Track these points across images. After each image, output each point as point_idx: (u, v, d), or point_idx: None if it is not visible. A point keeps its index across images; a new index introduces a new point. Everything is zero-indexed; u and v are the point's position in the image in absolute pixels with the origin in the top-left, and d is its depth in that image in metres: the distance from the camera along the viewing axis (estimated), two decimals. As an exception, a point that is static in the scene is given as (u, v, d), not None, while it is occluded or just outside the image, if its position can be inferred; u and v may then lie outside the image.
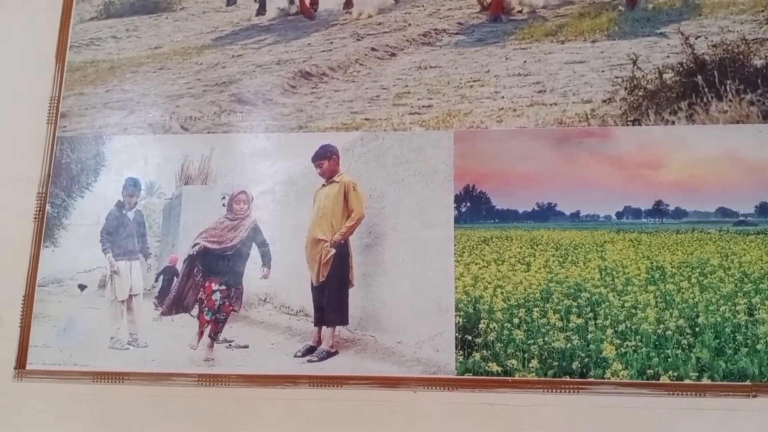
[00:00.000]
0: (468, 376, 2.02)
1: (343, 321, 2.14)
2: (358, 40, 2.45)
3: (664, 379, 1.95)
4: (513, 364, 2.01)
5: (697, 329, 1.98)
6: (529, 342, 2.02)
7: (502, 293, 2.09)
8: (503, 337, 2.04)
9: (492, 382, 2.01)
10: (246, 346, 2.17)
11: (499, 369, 2.01)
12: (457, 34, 2.40)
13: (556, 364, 2.00)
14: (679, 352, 1.96)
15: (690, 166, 2.12)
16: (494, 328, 2.05)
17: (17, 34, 2.54)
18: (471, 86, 2.29)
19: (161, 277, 2.30)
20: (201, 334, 2.22)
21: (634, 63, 2.23)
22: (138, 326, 2.26)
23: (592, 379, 1.97)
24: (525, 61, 2.30)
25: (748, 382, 1.93)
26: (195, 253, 2.27)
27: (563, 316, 2.04)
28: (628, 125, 2.17)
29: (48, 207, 2.36)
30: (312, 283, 2.19)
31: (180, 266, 2.28)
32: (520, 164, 2.19)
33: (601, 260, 2.11)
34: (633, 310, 2.02)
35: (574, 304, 2.05)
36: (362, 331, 2.13)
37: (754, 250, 2.06)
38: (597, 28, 2.32)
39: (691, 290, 2.03)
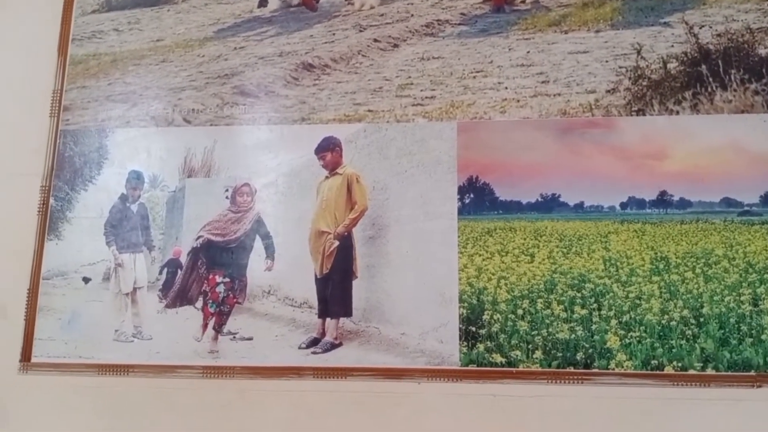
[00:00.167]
0: (472, 368, 2.02)
1: (347, 313, 2.14)
2: (361, 31, 2.44)
3: (668, 370, 1.95)
4: (517, 355, 2.01)
5: (701, 320, 1.97)
6: (533, 333, 2.02)
7: (505, 284, 2.09)
8: (507, 328, 2.04)
9: (496, 373, 2.01)
10: (250, 338, 2.18)
11: (503, 360, 2.01)
12: (459, 24, 2.39)
13: (560, 355, 2.00)
14: (683, 342, 1.96)
15: (694, 156, 2.11)
16: (498, 319, 2.04)
17: (19, 28, 2.53)
18: (474, 77, 2.28)
19: (165, 269, 2.30)
20: (205, 326, 2.22)
21: (638, 53, 2.21)
22: (142, 319, 2.26)
23: (596, 370, 1.97)
24: (528, 52, 2.29)
25: (752, 373, 1.93)
26: (199, 245, 2.28)
27: (567, 307, 2.04)
28: (632, 115, 2.16)
29: (52, 200, 2.36)
30: (316, 275, 2.19)
31: (184, 259, 2.28)
32: (524, 155, 2.18)
33: (605, 251, 2.10)
34: (637, 301, 2.02)
35: (578, 294, 2.05)
36: (366, 322, 2.13)
37: (758, 240, 2.05)
38: (601, 18, 2.31)
39: (695, 280, 2.03)
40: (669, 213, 2.11)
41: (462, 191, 2.16)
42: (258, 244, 2.25)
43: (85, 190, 2.38)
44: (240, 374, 2.13)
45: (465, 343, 2.04)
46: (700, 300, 2.00)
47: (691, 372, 1.94)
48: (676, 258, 2.07)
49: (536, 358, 2.00)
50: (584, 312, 2.02)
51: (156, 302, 2.27)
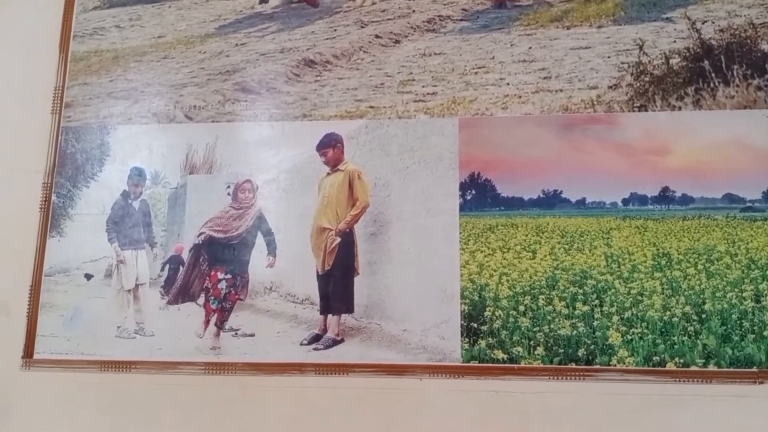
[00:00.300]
0: (474, 364, 2.02)
1: (349, 309, 2.14)
2: (362, 27, 2.44)
3: (670, 366, 1.94)
4: (519, 352, 2.01)
5: (703, 316, 1.97)
6: (534, 329, 2.02)
7: (507, 281, 2.08)
8: (509, 324, 2.03)
9: (498, 369, 2.01)
10: (252, 335, 2.18)
11: (505, 356, 2.01)
12: (461, 20, 2.38)
13: (562, 351, 1.99)
14: (685, 338, 1.96)
15: (697, 152, 2.11)
16: (500, 315, 2.04)
17: (21, 25, 2.54)
18: (476, 73, 2.27)
19: (167, 266, 2.30)
20: (207, 322, 2.22)
21: (641, 48, 2.21)
22: (144, 315, 2.27)
23: (597, 366, 1.97)
24: (530, 48, 2.28)
25: (754, 369, 1.93)
26: (200, 242, 2.28)
27: (569, 304, 2.03)
28: (634, 111, 2.15)
29: (54, 197, 2.36)
30: (317, 272, 2.19)
31: (186, 255, 2.29)
32: (526, 151, 2.18)
33: (607, 247, 2.10)
34: (639, 297, 2.02)
35: (580, 291, 2.05)
36: (368, 319, 2.13)
37: (761, 236, 2.05)
38: (603, 14, 2.30)
39: (697, 277, 2.02)
40: (671, 209, 2.11)
41: (464, 187, 2.16)
42: (260, 241, 2.26)
43: (87, 187, 2.38)
44: (242, 370, 2.14)
45: (467, 340, 2.04)
46: (702, 296, 1.99)
47: (693, 368, 1.94)
48: (678, 254, 2.06)
49: (538, 355, 2.00)
50: (586, 308, 2.02)
51: (158, 299, 2.27)
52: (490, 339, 2.03)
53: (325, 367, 2.10)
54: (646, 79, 2.18)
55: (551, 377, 1.99)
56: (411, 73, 2.31)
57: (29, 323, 2.26)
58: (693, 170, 2.10)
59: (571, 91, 2.20)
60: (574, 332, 2.00)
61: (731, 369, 1.93)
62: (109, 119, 2.42)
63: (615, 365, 1.96)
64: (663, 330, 1.97)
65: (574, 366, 1.98)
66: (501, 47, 2.30)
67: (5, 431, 2.19)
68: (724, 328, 1.95)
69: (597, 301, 2.03)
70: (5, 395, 2.22)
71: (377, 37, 2.41)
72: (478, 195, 2.17)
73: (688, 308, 1.98)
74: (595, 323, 2.00)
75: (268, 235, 2.25)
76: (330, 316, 2.16)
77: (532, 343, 2.01)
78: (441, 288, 2.09)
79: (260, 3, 2.53)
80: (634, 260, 2.07)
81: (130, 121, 2.41)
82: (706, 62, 2.16)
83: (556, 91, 2.21)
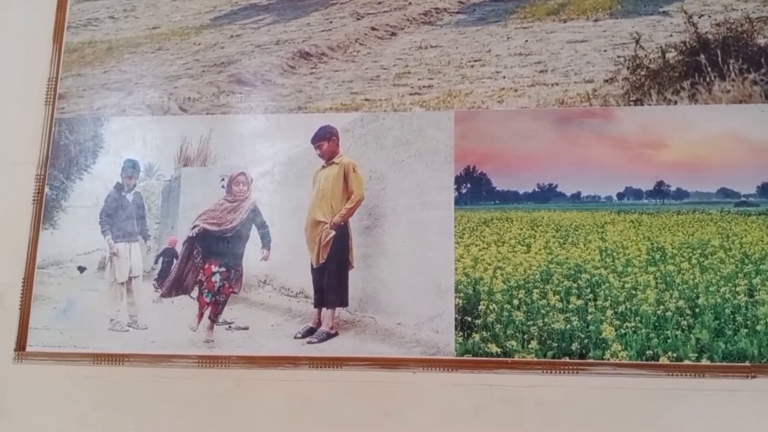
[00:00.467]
0: (467, 357, 2.02)
1: (343, 302, 2.14)
2: (358, 19, 2.42)
3: (663, 360, 1.95)
4: (512, 345, 2.01)
5: (697, 310, 1.97)
6: (528, 323, 2.02)
7: (502, 274, 2.08)
8: (503, 318, 2.03)
9: (491, 363, 2.01)
10: (246, 328, 2.18)
11: (499, 350, 2.01)
12: (457, 13, 2.37)
13: (556, 345, 2.00)
14: (678, 333, 1.96)
15: (692, 147, 2.11)
16: (494, 309, 2.04)
17: (14, 15, 2.52)
18: (472, 66, 2.26)
19: (161, 259, 2.29)
20: (201, 315, 2.22)
21: (637, 42, 2.20)
22: (138, 308, 2.26)
23: (591, 360, 1.98)
24: (526, 41, 2.27)
25: (747, 363, 1.93)
26: (194, 234, 2.27)
27: (563, 298, 2.03)
28: (630, 105, 2.15)
29: (47, 189, 2.35)
30: (312, 265, 2.19)
31: (179, 248, 2.28)
32: (521, 145, 2.17)
33: (601, 241, 2.10)
34: (633, 291, 2.02)
35: (574, 285, 2.05)
36: (362, 312, 2.13)
37: (755, 230, 2.05)
38: (599, 7, 2.30)
39: (691, 271, 2.02)
40: (666, 203, 2.11)
41: (459, 181, 2.16)
42: (254, 234, 2.25)
43: (81, 179, 2.37)
44: (236, 364, 2.13)
45: (461, 333, 2.04)
46: (695, 291, 2.00)
47: (686, 362, 1.94)
48: (672, 248, 2.06)
49: (532, 348, 2.00)
50: (580, 302, 2.02)
51: (151, 291, 2.27)
52: (484, 333, 2.03)
53: (319, 360, 2.09)
54: (642, 72, 2.18)
55: (545, 371, 1.99)
56: (407, 66, 2.30)
57: (22, 316, 2.25)
58: (688, 164, 2.10)
59: (567, 84, 2.19)
60: (568, 326, 2.00)
61: (724, 363, 1.93)
62: (103, 111, 2.41)
63: (608, 359, 1.97)
64: (656, 324, 1.98)
65: (567, 360, 1.99)
66: (497, 40, 2.29)
67: (-2, 423, 2.19)
68: (718, 322, 1.96)
69: (591, 295, 2.03)
70: (-2, 387, 2.22)
71: (373, 29, 2.40)
72: (474, 188, 2.17)
73: (681, 302, 1.99)
74: (589, 317, 2.00)
75: (262, 228, 2.25)
76: (324, 309, 2.15)
77: (526, 336, 2.01)
78: (435, 282, 2.09)
79: (255, -6, 2.52)
80: (629, 254, 2.07)
81: (124, 112, 2.39)
82: (702, 56, 2.16)
83: (552, 84, 2.20)
